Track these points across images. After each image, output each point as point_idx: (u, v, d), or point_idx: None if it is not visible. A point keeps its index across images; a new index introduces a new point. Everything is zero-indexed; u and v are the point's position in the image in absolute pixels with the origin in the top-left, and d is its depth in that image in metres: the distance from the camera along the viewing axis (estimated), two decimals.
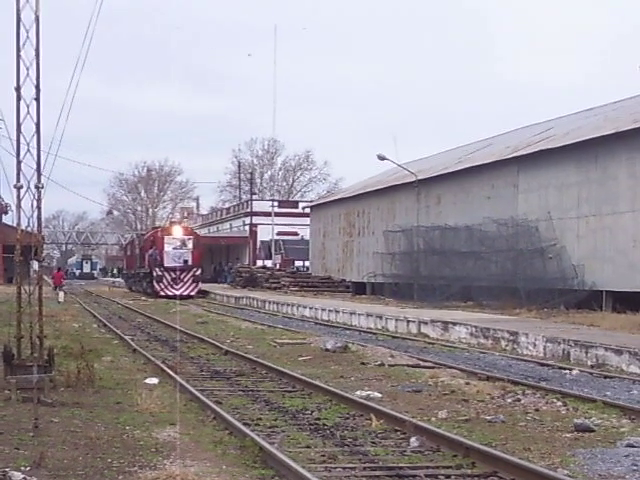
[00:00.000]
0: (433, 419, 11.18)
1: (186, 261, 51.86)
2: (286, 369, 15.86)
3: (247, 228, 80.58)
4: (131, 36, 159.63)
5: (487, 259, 34.07)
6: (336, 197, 57.08)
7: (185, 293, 49.76)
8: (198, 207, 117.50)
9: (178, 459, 8.59)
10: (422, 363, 17.48)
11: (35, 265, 19.40)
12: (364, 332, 26.66)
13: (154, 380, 14.44)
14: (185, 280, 51.55)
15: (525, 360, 18.68)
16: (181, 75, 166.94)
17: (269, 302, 40.54)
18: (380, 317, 28.67)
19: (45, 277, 34.27)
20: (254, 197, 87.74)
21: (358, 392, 13.27)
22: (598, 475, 8.37)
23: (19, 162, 12.50)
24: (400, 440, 9.85)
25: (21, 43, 12.36)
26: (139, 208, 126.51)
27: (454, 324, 24.16)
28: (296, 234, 73.42)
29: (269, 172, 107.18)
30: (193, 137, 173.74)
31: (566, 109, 65.74)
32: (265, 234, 73.75)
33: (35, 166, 12.62)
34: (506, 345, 21.22)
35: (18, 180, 12.52)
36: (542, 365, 17.82)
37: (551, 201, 31.77)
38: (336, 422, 10.93)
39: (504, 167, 34.69)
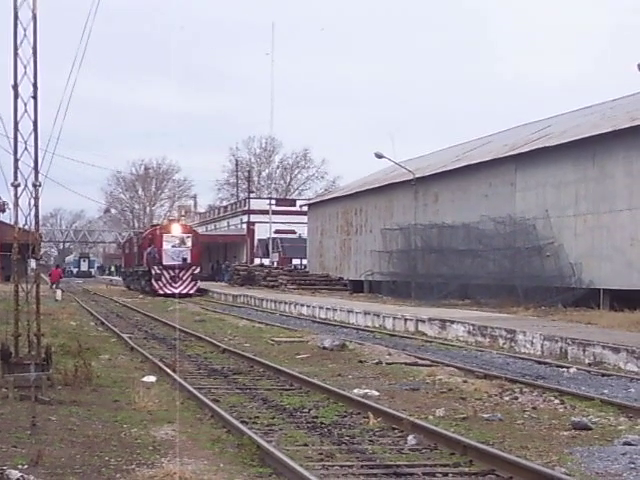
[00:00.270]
0: (430, 417, 11.19)
1: (185, 259, 51.46)
2: (284, 367, 15.86)
3: (245, 226, 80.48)
4: (130, 34, 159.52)
5: (485, 257, 34.05)
6: (334, 195, 57.06)
7: (184, 291, 49.36)
8: (196, 205, 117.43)
9: (176, 457, 8.58)
10: (420, 361, 17.47)
11: (32, 263, 19.42)
12: (362, 330, 26.65)
13: (152, 378, 14.44)
14: (184, 278, 51.15)
15: (522, 358, 18.68)
16: (180, 74, 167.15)
17: (267, 300, 40.52)
18: (378, 315, 28.66)
19: (42, 275, 34.20)
20: (252, 195, 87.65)
21: (356, 390, 13.27)
22: (595, 473, 8.37)
23: (16, 160, 12.49)
24: (398, 438, 9.86)
25: (18, 41, 12.35)
26: (137, 206, 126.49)
27: (452, 322, 24.17)
28: (294, 232, 73.35)
29: (267, 170, 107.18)
30: (191, 135, 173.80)
31: (564, 107, 65.63)
32: (263, 232, 73.67)
33: (32, 164, 12.62)
34: (504, 343, 21.23)
35: (15, 178, 12.51)
36: (539, 363, 17.80)
37: (549, 199, 31.77)
38: (334, 420, 10.94)
39: (502, 165, 34.68)
